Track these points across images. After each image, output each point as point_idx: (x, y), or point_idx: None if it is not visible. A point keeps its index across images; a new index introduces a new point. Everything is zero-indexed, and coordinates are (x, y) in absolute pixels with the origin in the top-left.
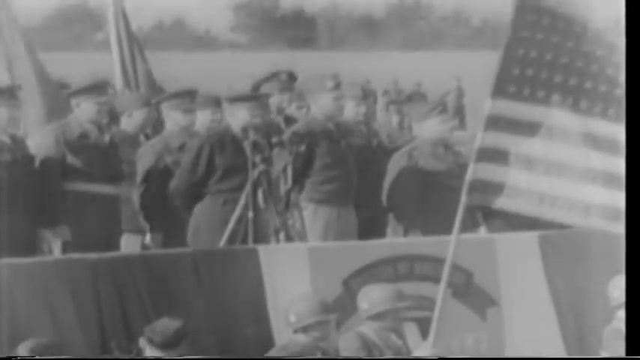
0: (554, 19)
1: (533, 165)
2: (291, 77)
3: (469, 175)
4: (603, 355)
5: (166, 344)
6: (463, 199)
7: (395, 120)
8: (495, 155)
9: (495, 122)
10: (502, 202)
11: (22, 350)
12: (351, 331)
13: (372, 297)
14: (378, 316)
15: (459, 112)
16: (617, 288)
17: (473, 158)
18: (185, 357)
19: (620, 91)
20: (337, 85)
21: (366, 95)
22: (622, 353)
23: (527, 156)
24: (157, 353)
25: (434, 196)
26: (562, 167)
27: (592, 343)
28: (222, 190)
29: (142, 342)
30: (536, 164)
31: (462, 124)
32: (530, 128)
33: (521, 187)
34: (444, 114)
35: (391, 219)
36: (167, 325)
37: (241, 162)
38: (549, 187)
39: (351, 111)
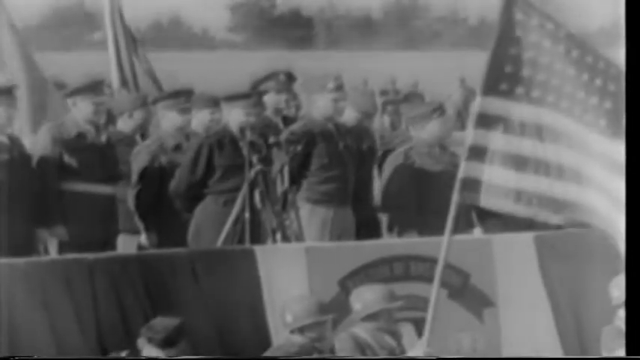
0: (545, 22)
1: (523, 164)
2: (290, 77)
3: (460, 173)
4: (604, 354)
5: (168, 341)
6: (455, 197)
7: (387, 121)
8: (486, 153)
9: (486, 120)
10: (494, 201)
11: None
12: (345, 332)
13: (365, 298)
14: (371, 317)
15: (463, 114)
16: (617, 287)
17: (464, 156)
18: (184, 357)
19: (613, 105)
20: (339, 87)
21: (374, 107)
22: (622, 353)
23: (517, 155)
24: (157, 352)
25: (430, 196)
26: (555, 169)
27: (590, 343)
28: (222, 190)
29: (141, 342)
30: (525, 163)
31: (464, 125)
32: (521, 127)
33: (511, 186)
34: (443, 116)
35: (383, 218)
36: (166, 323)
37: (241, 162)
38: (541, 187)
39: (352, 116)
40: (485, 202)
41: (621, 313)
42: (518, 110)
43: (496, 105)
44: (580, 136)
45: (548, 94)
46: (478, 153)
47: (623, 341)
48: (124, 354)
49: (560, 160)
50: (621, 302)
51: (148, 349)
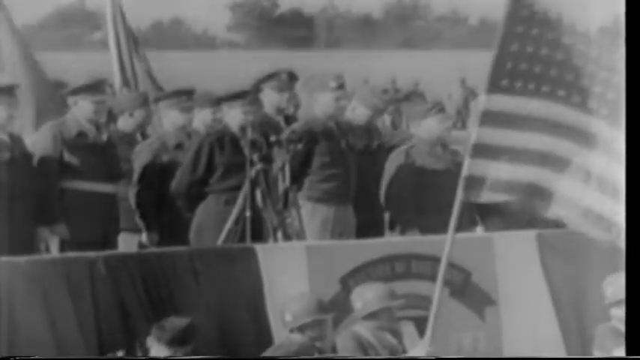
0: (548, 18)
1: (527, 159)
2: (292, 77)
3: (464, 171)
4: (598, 354)
5: (175, 341)
6: (459, 195)
7: (388, 120)
8: (490, 150)
9: (491, 117)
10: (497, 198)
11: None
12: (347, 331)
13: (365, 296)
14: (372, 316)
15: (463, 113)
16: (611, 286)
17: (468, 154)
18: (185, 357)
19: (615, 95)
20: (341, 86)
21: (384, 104)
22: (616, 353)
23: (522, 150)
24: (165, 351)
25: (431, 194)
26: (557, 162)
27: (592, 341)
28: (223, 189)
29: (150, 341)
30: (530, 158)
31: (464, 124)
32: (524, 122)
33: (516, 182)
34: (441, 113)
35: (385, 217)
36: (175, 322)
37: (242, 160)
38: (544, 182)
39: (363, 114)
40: (489, 198)
41: (614, 311)
42: (523, 105)
43: (502, 102)
44: (581, 125)
45: (558, 89)
46: (485, 151)
47: (616, 340)
48: (120, 353)
49: (569, 155)
50: (614, 301)
51: (156, 348)
